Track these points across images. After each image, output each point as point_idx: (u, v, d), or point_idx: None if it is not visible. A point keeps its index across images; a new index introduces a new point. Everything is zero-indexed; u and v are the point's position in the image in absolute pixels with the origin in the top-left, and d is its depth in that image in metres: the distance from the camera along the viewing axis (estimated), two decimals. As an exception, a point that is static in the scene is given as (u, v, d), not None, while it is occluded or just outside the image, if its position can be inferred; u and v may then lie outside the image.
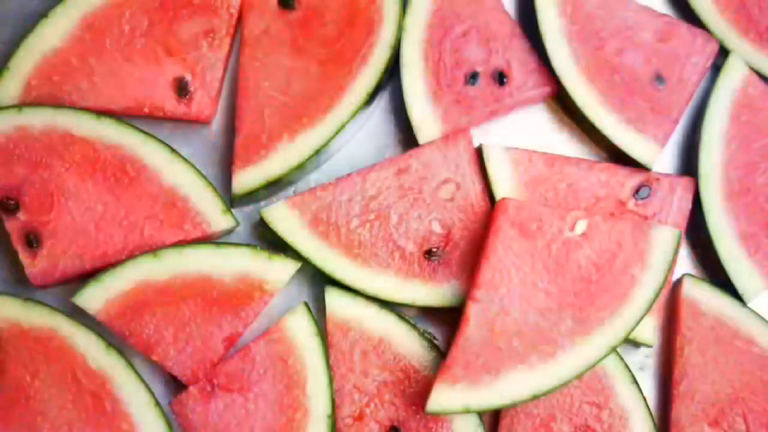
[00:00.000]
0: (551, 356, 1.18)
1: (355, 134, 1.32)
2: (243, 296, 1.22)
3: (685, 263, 1.33)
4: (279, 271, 1.23)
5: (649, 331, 1.25)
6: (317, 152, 1.24)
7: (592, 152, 1.34)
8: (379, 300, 1.24)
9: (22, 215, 1.23)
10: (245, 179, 1.25)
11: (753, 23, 1.34)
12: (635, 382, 1.24)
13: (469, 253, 1.26)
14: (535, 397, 1.17)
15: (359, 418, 1.21)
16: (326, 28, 1.28)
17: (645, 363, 1.31)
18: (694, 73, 1.32)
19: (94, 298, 1.22)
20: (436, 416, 1.21)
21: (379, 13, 1.28)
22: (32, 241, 1.22)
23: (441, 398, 1.17)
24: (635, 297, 1.20)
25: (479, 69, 1.29)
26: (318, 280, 1.29)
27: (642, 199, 1.28)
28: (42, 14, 1.26)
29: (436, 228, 1.27)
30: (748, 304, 1.28)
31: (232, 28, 1.29)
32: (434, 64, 1.29)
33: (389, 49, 1.27)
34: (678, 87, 1.31)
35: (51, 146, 1.23)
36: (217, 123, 1.32)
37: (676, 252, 1.21)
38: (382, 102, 1.34)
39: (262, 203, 1.31)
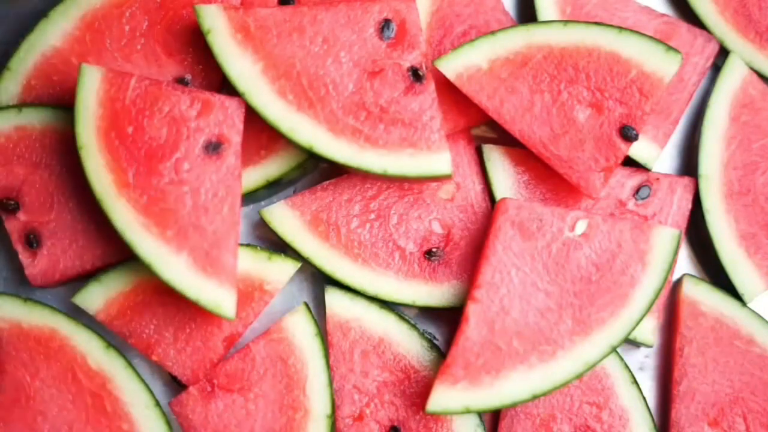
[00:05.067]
0: (551, 356, 1.18)
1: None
2: (243, 296, 1.22)
3: (685, 263, 1.33)
4: (279, 271, 1.23)
5: (649, 331, 1.25)
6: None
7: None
8: (379, 300, 1.24)
9: (22, 215, 1.23)
10: (245, 179, 1.25)
11: (753, 23, 1.34)
12: (635, 382, 1.24)
13: (469, 253, 1.26)
14: (535, 397, 1.17)
15: (359, 418, 1.22)
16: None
17: (645, 363, 1.31)
18: (694, 73, 1.32)
19: (94, 298, 1.22)
20: (436, 416, 1.21)
21: None
22: (32, 241, 1.22)
23: (441, 398, 1.17)
24: (635, 297, 1.20)
25: (479, 69, 1.30)
26: (318, 280, 1.29)
27: (642, 199, 1.28)
28: (42, 14, 1.26)
29: (436, 228, 1.27)
30: (748, 304, 1.28)
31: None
32: (434, 64, 1.29)
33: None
34: (678, 87, 1.31)
35: (51, 146, 1.23)
36: (217, 123, 1.32)
37: (676, 252, 1.21)
38: (382, 102, 1.34)
39: (262, 203, 1.31)
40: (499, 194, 1.28)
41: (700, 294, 1.28)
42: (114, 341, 1.24)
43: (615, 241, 1.21)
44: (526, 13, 1.37)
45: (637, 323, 1.19)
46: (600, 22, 1.24)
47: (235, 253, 1.17)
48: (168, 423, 1.20)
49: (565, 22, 1.24)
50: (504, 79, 1.24)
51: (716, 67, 1.35)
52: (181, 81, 1.26)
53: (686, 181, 1.30)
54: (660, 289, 1.20)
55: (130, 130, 1.16)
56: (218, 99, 1.19)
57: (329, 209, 1.26)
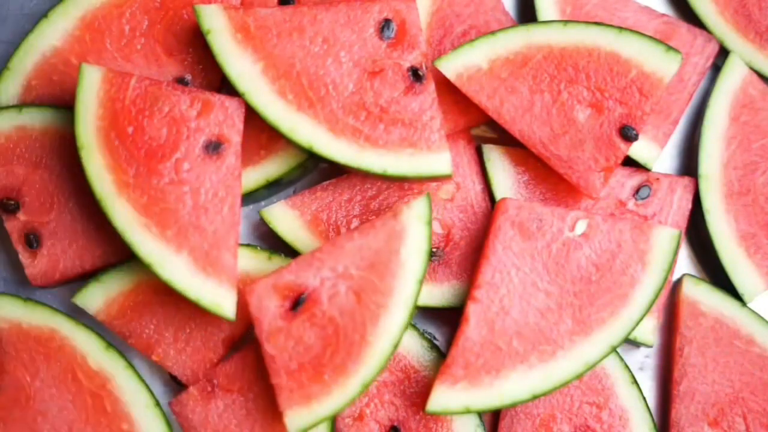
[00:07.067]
0: (551, 356, 1.18)
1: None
2: (243, 296, 1.22)
3: (685, 263, 1.33)
4: (279, 271, 1.23)
5: (649, 331, 1.25)
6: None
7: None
8: (379, 300, 1.24)
9: (22, 215, 1.23)
10: (245, 179, 1.25)
11: (753, 23, 1.34)
12: (635, 382, 1.24)
13: (469, 253, 1.26)
14: (535, 397, 1.17)
15: (359, 418, 1.22)
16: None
17: (645, 363, 1.31)
18: (694, 73, 1.32)
19: (94, 298, 1.22)
20: (436, 416, 1.21)
21: None
22: (32, 241, 1.22)
23: (441, 398, 1.17)
24: (635, 297, 1.20)
25: (479, 69, 1.30)
26: (318, 280, 1.29)
27: (642, 199, 1.28)
28: (42, 14, 1.26)
29: (436, 228, 1.27)
30: (748, 304, 1.28)
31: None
32: (434, 64, 1.29)
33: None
34: (678, 87, 1.31)
35: (51, 146, 1.23)
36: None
37: (676, 252, 1.21)
38: (382, 102, 1.34)
39: (262, 203, 1.31)
40: (499, 194, 1.28)
41: (700, 294, 1.28)
42: (114, 341, 1.24)
43: (615, 241, 1.21)
44: (526, 13, 1.37)
45: (637, 323, 1.19)
46: (600, 22, 1.24)
47: (235, 253, 1.17)
48: (168, 423, 1.20)
49: (565, 22, 1.24)
50: (504, 79, 1.24)
51: (716, 67, 1.35)
52: (181, 81, 1.26)
53: (686, 181, 1.30)
54: (660, 289, 1.20)
55: (130, 130, 1.16)
56: (218, 99, 1.19)
57: (329, 209, 1.26)
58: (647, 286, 1.20)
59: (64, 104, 1.24)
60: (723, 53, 1.34)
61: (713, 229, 1.28)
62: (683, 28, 1.33)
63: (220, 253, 1.16)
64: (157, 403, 1.20)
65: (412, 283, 1.15)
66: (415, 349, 1.24)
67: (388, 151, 1.20)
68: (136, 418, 1.19)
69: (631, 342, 1.26)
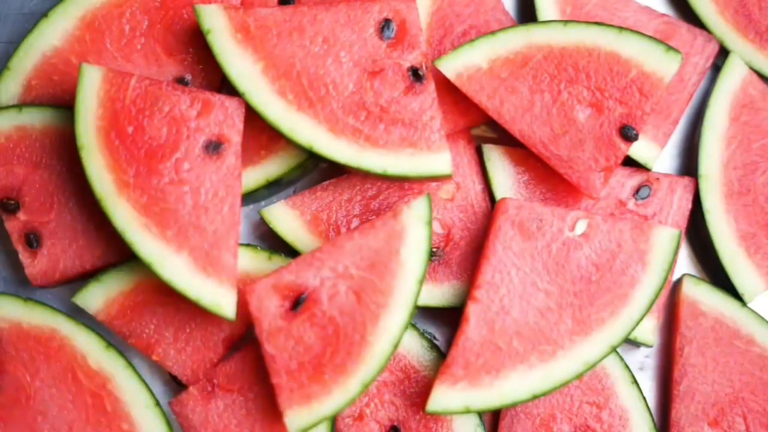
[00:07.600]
0: (551, 356, 1.18)
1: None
2: (243, 296, 1.22)
3: (685, 263, 1.33)
4: (279, 271, 1.23)
5: (649, 331, 1.25)
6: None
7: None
8: (379, 300, 1.24)
9: (22, 215, 1.23)
10: (245, 179, 1.25)
11: (753, 23, 1.34)
12: (635, 382, 1.24)
13: (469, 253, 1.26)
14: (535, 397, 1.17)
15: (359, 418, 1.22)
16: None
17: (645, 363, 1.31)
18: (694, 73, 1.32)
19: (94, 298, 1.22)
20: (436, 416, 1.21)
21: None
22: (32, 241, 1.22)
23: (441, 398, 1.17)
24: (635, 297, 1.20)
25: (479, 69, 1.30)
26: (318, 280, 1.29)
27: (642, 199, 1.28)
28: (42, 14, 1.26)
29: (436, 228, 1.27)
30: (748, 304, 1.28)
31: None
32: (434, 64, 1.29)
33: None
34: (678, 87, 1.31)
35: (51, 146, 1.23)
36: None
37: (676, 252, 1.21)
38: (382, 102, 1.34)
39: (262, 203, 1.31)
40: (499, 194, 1.28)
41: (700, 294, 1.28)
42: (114, 341, 1.24)
43: (615, 241, 1.21)
44: (526, 13, 1.37)
45: (637, 323, 1.20)
46: (600, 22, 1.24)
47: (235, 253, 1.17)
48: (168, 423, 1.20)
49: (565, 22, 1.24)
50: (504, 79, 1.24)
51: (716, 67, 1.35)
52: (181, 81, 1.26)
53: (686, 181, 1.30)
54: (660, 289, 1.20)
55: (130, 130, 1.16)
56: (218, 99, 1.19)
57: (329, 209, 1.26)
58: (647, 286, 1.20)
59: (64, 104, 1.24)
60: (723, 53, 1.34)
61: (713, 229, 1.28)
62: (683, 28, 1.33)
63: (220, 253, 1.16)
64: (157, 403, 1.20)
65: (412, 283, 1.16)
66: (415, 349, 1.24)
67: (388, 151, 1.20)
68: (136, 418, 1.19)
69: (631, 342, 1.26)
